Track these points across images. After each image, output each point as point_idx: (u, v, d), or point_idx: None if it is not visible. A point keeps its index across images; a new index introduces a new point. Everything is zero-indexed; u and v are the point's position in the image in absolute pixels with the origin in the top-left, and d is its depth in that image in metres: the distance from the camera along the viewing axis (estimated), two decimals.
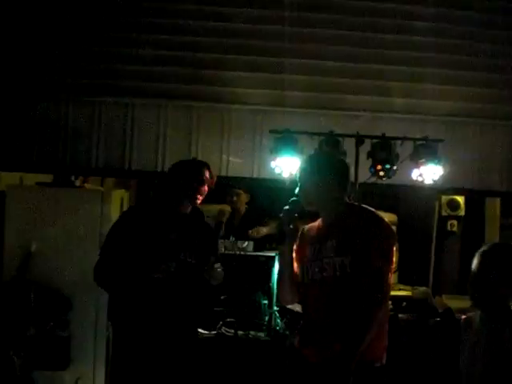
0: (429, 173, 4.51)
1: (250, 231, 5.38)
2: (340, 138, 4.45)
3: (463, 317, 2.66)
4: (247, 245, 4.93)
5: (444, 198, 6.58)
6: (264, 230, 5.43)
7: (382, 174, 4.40)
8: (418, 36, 4.90)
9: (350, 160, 4.09)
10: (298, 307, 3.86)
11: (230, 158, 4.85)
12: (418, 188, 4.82)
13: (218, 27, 4.85)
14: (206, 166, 3.42)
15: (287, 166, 4.46)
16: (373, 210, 2.80)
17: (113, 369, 3.81)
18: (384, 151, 4.39)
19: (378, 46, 4.90)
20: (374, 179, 4.47)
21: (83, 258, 4.78)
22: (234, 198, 5.68)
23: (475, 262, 2.50)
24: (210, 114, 4.91)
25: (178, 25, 4.84)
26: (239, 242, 4.90)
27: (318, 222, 2.93)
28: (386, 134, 4.50)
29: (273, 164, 4.50)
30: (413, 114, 4.92)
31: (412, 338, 4.49)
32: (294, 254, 2.89)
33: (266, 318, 4.50)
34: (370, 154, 4.46)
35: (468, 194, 5.85)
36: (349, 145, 4.48)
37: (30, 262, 4.66)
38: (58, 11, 4.76)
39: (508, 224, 6.60)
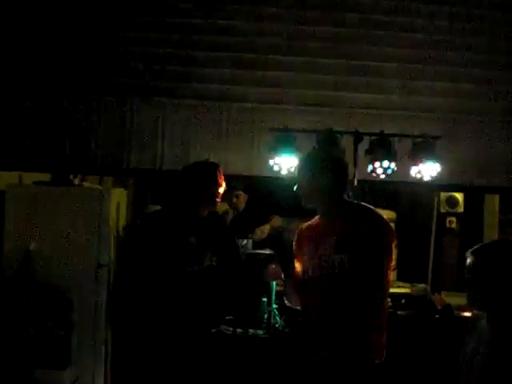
0: (427, 170, 4.51)
1: (251, 235, 5.38)
2: (338, 136, 4.45)
3: (471, 314, 2.64)
4: (246, 243, 4.94)
5: (443, 195, 6.58)
6: (267, 227, 5.44)
7: (380, 171, 4.40)
8: (415, 33, 4.91)
9: (348, 157, 4.09)
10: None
11: (229, 156, 4.84)
12: (416, 185, 4.83)
13: (217, 25, 4.85)
14: (219, 168, 3.43)
15: (286, 163, 4.46)
16: (372, 207, 2.80)
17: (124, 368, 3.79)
18: (383, 148, 4.39)
19: (375, 43, 4.90)
20: (372, 176, 4.46)
21: (82, 257, 4.80)
22: (234, 200, 5.69)
23: (468, 262, 2.49)
24: (208, 113, 4.90)
25: (177, 23, 4.83)
26: (239, 241, 4.90)
27: (316, 220, 2.94)
28: (385, 131, 4.49)
29: (271, 162, 4.50)
30: (411, 111, 4.92)
31: (411, 335, 4.49)
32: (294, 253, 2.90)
33: (265, 316, 4.50)
34: (368, 152, 4.46)
35: (467, 190, 5.85)
36: (347, 142, 4.48)
37: (29, 261, 4.66)
38: (57, 10, 4.76)
39: (507, 220, 6.61)
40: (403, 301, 4.92)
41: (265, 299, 4.50)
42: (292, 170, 4.40)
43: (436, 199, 6.62)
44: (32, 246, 4.70)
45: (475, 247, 2.50)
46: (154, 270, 3.17)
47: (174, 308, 3.18)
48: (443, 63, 4.94)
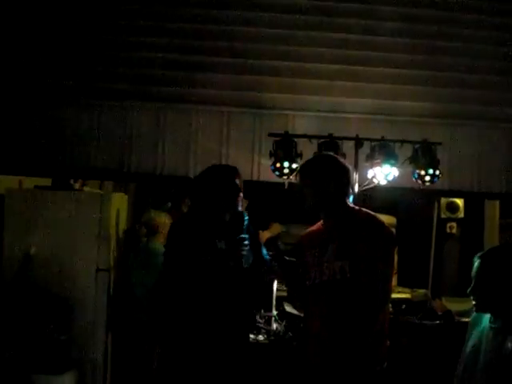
0: (428, 175, 4.52)
1: None
2: (339, 141, 4.45)
3: (473, 315, 2.63)
4: None
5: (443, 201, 6.59)
6: (267, 235, 5.42)
7: (381, 176, 4.40)
8: (416, 39, 4.91)
9: (349, 163, 4.07)
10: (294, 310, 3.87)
11: (229, 162, 4.84)
12: (417, 190, 4.83)
13: (216, 30, 4.85)
14: (238, 171, 3.40)
15: (286, 169, 4.46)
16: (373, 213, 2.80)
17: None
18: (384, 154, 4.40)
19: (376, 48, 4.90)
20: (373, 182, 4.47)
21: (82, 261, 4.80)
22: None
23: (474, 268, 2.48)
24: (209, 118, 4.91)
25: (178, 28, 4.84)
26: None
27: (318, 226, 2.93)
28: (385, 137, 4.50)
29: (272, 167, 4.50)
30: (412, 117, 4.92)
31: (412, 341, 4.49)
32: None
33: (266, 321, 4.49)
34: (369, 157, 4.47)
35: (467, 196, 5.85)
36: (348, 147, 4.48)
37: (29, 265, 4.66)
38: (56, 14, 4.76)
39: (506, 224, 6.61)
40: (403, 306, 4.92)
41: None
42: (293, 175, 4.39)
43: (436, 204, 6.63)
44: (32, 251, 4.70)
45: (483, 252, 2.49)
46: (197, 275, 3.15)
47: (211, 311, 3.15)
48: (444, 69, 4.94)
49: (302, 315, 3.00)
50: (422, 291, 5.48)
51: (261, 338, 4.39)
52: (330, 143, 4.43)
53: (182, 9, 4.85)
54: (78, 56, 4.77)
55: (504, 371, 2.33)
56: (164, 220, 5.07)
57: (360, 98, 4.91)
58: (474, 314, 2.59)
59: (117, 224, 5.20)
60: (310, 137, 4.50)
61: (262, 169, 4.80)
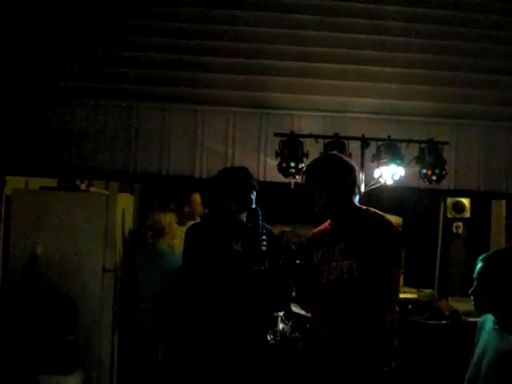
0: (434, 175, 4.50)
1: None
2: (345, 141, 4.45)
3: (479, 320, 2.65)
4: None
5: (449, 201, 6.57)
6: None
7: (387, 176, 4.39)
8: (422, 38, 4.89)
9: (355, 163, 4.07)
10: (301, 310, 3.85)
11: (235, 162, 4.84)
12: (423, 190, 4.82)
13: (221, 30, 4.84)
14: (250, 173, 3.40)
15: (292, 169, 4.45)
16: (381, 213, 2.79)
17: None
18: (390, 154, 4.39)
19: (381, 48, 4.89)
20: (379, 182, 4.46)
21: (88, 262, 4.81)
22: None
23: (477, 270, 2.49)
24: (215, 118, 4.90)
25: (182, 28, 4.83)
26: None
27: (325, 226, 2.93)
28: (392, 137, 4.49)
29: (278, 167, 4.49)
30: (418, 117, 4.90)
31: (418, 341, 4.48)
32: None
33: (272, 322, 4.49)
34: (375, 157, 4.46)
35: (474, 196, 5.83)
36: (354, 147, 4.47)
37: (36, 266, 4.67)
38: (62, 14, 4.76)
39: None
40: (410, 306, 4.91)
41: None
42: (299, 175, 4.38)
43: (443, 204, 6.61)
44: (38, 251, 4.72)
45: (486, 254, 2.50)
46: (219, 276, 3.15)
47: (229, 314, 3.15)
48: (451, 68, 4.92)
49: (309, 315, 2.99)
50: (428, 291, 5.47)
51: (267, 338, 4.38)
52: (335, 143, 4.41)
53: (186, 9, 4.84)
54: (84, 57, 4.77)
55: (506, 369, 2.34)
56: (170, 220, 5.08)
57: (366, 97, 4.89)
58: (481, 318, 2.60)
59: (123, 224, 5.21)
60: (315, 137, 4.49)
61: (268, 169, 4.79)
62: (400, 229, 2.87)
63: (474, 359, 2.54)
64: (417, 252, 5.95)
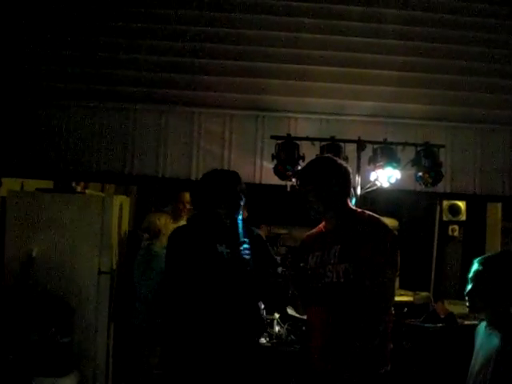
0: (430, 178, 4.51)
1: None
2: (341, 144, 4.45)
3: (477, 327, 2.66)
4: None
5: (445, 203, 6.58)
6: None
7: (383, 179, 4.39)
8: (418, 41, 4.91)
9: (351, 165, 4.08)
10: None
11: (231, 164, 4.84)
12: (419, 193, 4.82)
13: (218, 33, 4.85)
14: (239, 177, 3.37)
15: (289, 171, 4.45)
16: (376, 215, 2.79)
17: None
18: (386, 157, 4.39)
19: (378, 51, 4.90)
20: (375, 185, 4.46)
21: (84, 264, 4.79)
22: None
23: (473, 271, 2.50)
24: (211, 120, 4.90)
25: (180, 30, 4.84)
26: None
27: (319, 228, 2.93)
28: (388, 140, 4.49)
29: (274, 170, 4.49)
30: (414, 120, 4.91)
31: (414, 344, 4.48)
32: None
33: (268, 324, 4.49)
34: (371, 160, 4.46)
35: (469, 199, 5.84)
36: (350, 150, 4.47)
37: (32, 268, 4.65)
38: (60, 16, 4.76)
39: (509, 228, 6.61)
40: (406, 309, 4.91)
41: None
42: (295, 178, 4.38)
43: (438, 207, 6.62)
44: (34, 253, 4.70)
45: (482, 256, 2.51)
46: (200, 280, 3.13)
47: (213, 314, 3.13)
48: (447, 71, 4.93)
49: (304, 318, 2.99)
50: (424, 294, 5.47)
51: (263, 340, 4.38)
52: (332, 146, 4.42)
53: (183, 11, 4.85)
54: (80, 59, 4.77)
55: (495, 369, 2.35)
56: (165, 221, 5.08)
57: (362, 100, 4.90)
58: (478, 324, 2.61)
59: (119, 226, 5.20)
60: (312, 139, 4.50)
61: (264, 171, 4.80)
62: (396, 232, 2.87)
63: (470, 367, 2.55)
64: (413, 255, 5.96)
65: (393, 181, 4.42)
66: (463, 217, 6.63)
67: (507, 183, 5.05)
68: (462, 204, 6.58)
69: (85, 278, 4.79)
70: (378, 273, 2.60)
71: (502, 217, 6.49)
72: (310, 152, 4.39)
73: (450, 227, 6.73)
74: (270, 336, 4.41)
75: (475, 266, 2.50)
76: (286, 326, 4.46)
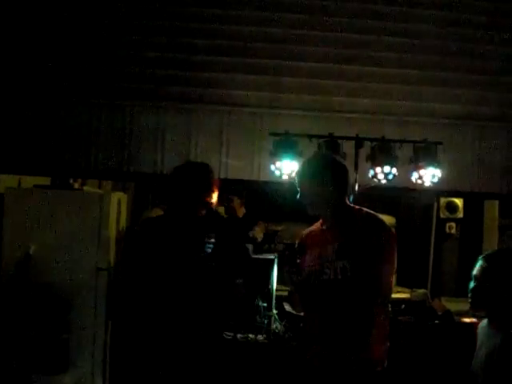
0: (428, 175, 4.52)
1: (250, 233, 5.36)
2: (339, 141, 4.45)
3: (479, 326, 2.66)
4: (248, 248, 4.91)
5: (443, 201, 6.60)
6: (260, 234, 5.42)
7: (381, 176, 4.40)
8: (417, 39, 4.91)
9: (349, 162, 4.09)
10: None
11: (229, 161, 4.84)
12: (417, 190, 4.83)
13: (216, 30, 4.85)
14: (211, 170, 3.37)
15: (287, 168, 4.46)
16: (374, 213, 2.80)
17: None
18: (384, 154, 4.39)
19: (377, 48, 4.90)
20: (373, 182, 4.47)
21: (82, 261, 4.79)
22: (225, 204, 5.66)
23: (477, 268, 2.50)
24: (209, 117, 4.90)
25: (177, 27, 4.83)
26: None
27: (317, 226, 2.93)
28: (386, 137, 4.50)
29: (272, 167, 4.50)
30: (412, 117, 4.92)
31: (411, 341, 4.48)
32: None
33: (266, 321, 4.49)
34: (369, 157, 4.47)
35: (467, 196, 5.86)
36: (348, 147, 4.48)
37: (29, 265, 4.65)
38: (61, 15, 4.76)
39: (506, 225, 6.62)
40: (403, 306, 4.91)
41: (265, 304, 4.50)
42: (293, 175, 4.38)
43: (436, 205, 6.63)
44: (32, 250, 4.69)
45: (487, 253, 2.51)
46: (156, 272, 3.14)
47: (179, 309, 3.13)
48: (444, 69, 4.94)
49: (301, 315, 3.00)
50: (421, 291, 5.48)
51: (260, 337, 4.39)
52: (330, 143, 4.42)
53: (181, 8, 4.84)
54: (78, 55, 4.76)
55: (495, 366, 2.36)
56: None
57: (360, 97, 4.90)
58: (480, 324, 2.61)
59: (116, 223, 5.19)
60: (310, 136, 4.50)
61: (263, 168, 4.80)
62: (393, 229, 2.86)
63: (472, 365, 2.55)
64: (410, 252, 5.96)
65: (390, 178, 4.43)
66: (460, 214, 6.65)
67: (505, 181, 5.06)
68: (459, 201, 6.59)
69: (82, 274, 4.78)
70: (376, 270, 2.61)
71: (498, 214, 6.50)
72: (308, 149, 4.41)
73: (448, 224, 6.75)
74: (268, 333, 4.42)
75: (480, 263, 2.50)
76: (283, 322, 4.47)
